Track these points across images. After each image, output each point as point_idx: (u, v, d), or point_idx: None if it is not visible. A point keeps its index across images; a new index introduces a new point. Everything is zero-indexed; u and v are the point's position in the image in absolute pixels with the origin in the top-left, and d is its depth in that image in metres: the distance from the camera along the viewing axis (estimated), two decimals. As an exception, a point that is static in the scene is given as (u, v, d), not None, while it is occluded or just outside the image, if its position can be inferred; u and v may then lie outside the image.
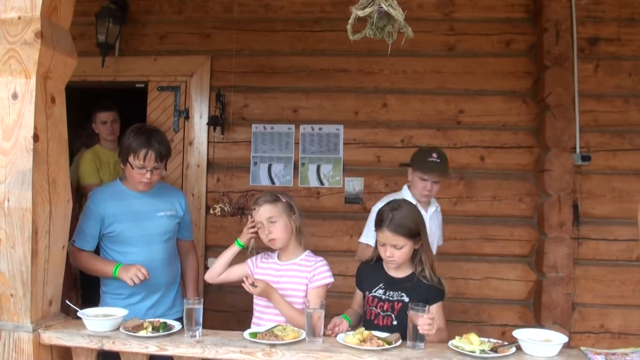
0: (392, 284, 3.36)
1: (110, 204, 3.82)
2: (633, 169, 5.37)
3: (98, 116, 5.63)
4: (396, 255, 3.28)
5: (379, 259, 3.46)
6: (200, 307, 3.06)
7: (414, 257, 3.36)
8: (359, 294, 3.54)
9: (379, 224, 3.30)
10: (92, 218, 3.80)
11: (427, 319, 2.91)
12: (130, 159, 3.72)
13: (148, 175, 3.73)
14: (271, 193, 3.57)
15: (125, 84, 6.07)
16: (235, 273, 3.61)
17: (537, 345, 2.85)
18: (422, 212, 3.96)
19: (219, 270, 3.60)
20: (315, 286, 3.44)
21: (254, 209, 3.52)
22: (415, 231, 3.29)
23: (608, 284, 5.37)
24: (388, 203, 3.43)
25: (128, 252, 3.81)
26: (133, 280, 3.58)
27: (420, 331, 2.91)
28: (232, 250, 3.59)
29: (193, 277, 4.26)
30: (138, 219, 3.83)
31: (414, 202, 4.06)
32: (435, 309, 3.27)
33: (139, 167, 3.71)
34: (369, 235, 4.26)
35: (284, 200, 3.52)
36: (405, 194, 4.42)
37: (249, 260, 3.63)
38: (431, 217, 4.45)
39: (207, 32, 5.95)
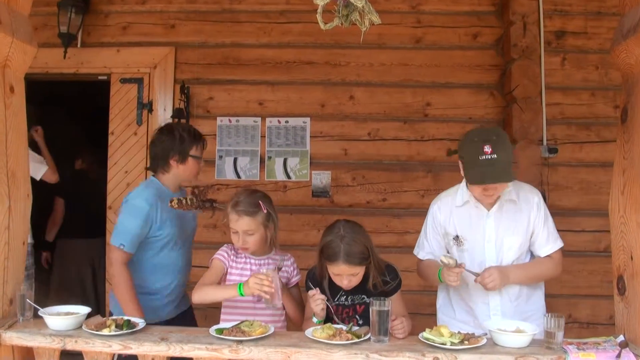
0: (353, 288, 3.28)
1: (160, 207, 3.66)
2: (599, 161, 5.40)
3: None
4: (353, 281, 3.19)
5: None
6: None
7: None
8: None
9: (331, 258, 3.14)
10: (142, 219, 3.60)
11: (398, 325, 2.96)
12: (193, 150, 3.74)
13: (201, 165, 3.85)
14: (252, 198, 3.39)
15: (87, 76, 5.94)
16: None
17: (508, 336, 2.82)
18: (482, 211, 3.38)
19: (208, 302, 3.39)
20: (295, 282, 3.55)
21: (231, 213, 3.36)
22: (367, 254, 3.18)
23: (576, 275, 5.40)
24: (331, 230, 3.23)
25: (172, 255, 3.74)
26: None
27: (398, 336, 2.94)
28: (230, 295, 3.30)
29: None
30: (181, 222, 3.75)
31: (473, 203, 3.38)
32: (395, 298, 3.28)
33: (198, 157, 3.79)
34: (423, 245, 3.62)
35: (264, 210, 3.36)
36: (462, 193, 3.45)
37: (222, 259, 3.47)
38: (496, 216, 3.38)
39: (171, 22, 5.86)
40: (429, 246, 3.56)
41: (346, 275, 3.15)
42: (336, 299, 3.30)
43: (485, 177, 3.11)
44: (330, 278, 3.26)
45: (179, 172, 3.75)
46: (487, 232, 3.38)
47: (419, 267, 3.63)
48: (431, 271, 3.48)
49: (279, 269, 3.35)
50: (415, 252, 3.64)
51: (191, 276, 5.50)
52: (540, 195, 3.45)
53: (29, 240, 5.41)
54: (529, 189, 3.46)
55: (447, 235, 3.49)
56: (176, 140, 3.71)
